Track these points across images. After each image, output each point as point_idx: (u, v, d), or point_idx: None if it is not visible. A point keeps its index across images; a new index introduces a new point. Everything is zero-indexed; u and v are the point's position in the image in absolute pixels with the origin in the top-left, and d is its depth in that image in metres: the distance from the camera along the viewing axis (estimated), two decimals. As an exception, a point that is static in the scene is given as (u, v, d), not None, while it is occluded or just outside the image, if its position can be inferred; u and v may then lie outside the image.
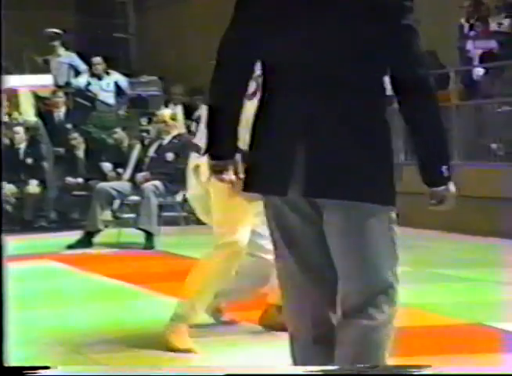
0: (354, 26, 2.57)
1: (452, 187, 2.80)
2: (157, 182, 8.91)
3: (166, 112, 9.54)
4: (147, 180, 9.04)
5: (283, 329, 4.71)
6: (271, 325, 4.75)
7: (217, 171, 2.77)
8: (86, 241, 8.92)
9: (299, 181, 2.60)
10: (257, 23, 2.64)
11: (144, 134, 10.71)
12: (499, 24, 10.55)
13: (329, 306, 2.75)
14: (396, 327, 4.88)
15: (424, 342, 4.55)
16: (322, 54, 2.59)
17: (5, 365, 2.61)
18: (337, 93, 2.60)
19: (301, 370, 2.68)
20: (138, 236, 9.09)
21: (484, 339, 4.62)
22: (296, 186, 2.61)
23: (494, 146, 9.70)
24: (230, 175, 2.79)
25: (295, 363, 2.83)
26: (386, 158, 2.66)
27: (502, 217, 9.11)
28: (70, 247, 8.71)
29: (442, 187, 2.78)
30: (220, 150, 2.75)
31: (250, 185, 2.73)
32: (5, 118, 10.98)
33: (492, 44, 10.43)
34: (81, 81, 12.58)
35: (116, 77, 12.68)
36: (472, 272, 6.91)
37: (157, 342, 4.42)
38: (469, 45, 10.84)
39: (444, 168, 2.75)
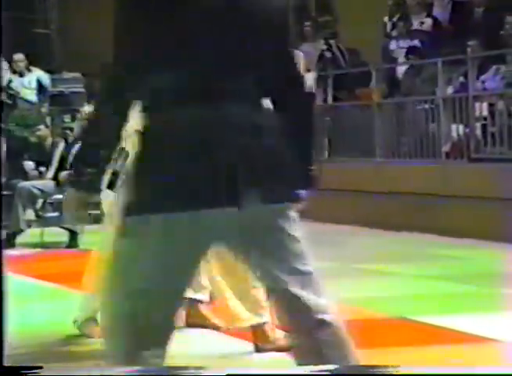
0: (249, 39, 2.59)
1: None
2: (81, 181, 8.84)
3: (89, 109, 9.45)
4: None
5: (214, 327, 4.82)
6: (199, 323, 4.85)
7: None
8: (9, 242, 8.79)
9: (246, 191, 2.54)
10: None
11: (67, 131, 10.59)
12: (421, 23, 10.74)
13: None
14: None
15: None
16: (226, 65, 2.58)
17: (4, 365, 2.62)
18: (243, 101, 2.59)
19: (302, 370, 2.68)
20: (61, 236, 9.00)
21: (408, 333, 4.72)
22: (245, 195, 2.54)
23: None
24: None
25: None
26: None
27: (423, 213, 9.30)
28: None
29: None
30: None
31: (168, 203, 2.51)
32: None
33: (415, 43, 10.62)
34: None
35: (38, 73, 12.51)
36: (392, 267, 7.05)
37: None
38: (392, 44, 11.01)
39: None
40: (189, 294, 4.86)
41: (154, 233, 2.54)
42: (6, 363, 2.70)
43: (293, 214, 2.66)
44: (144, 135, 2.60)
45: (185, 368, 2.62)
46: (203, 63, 2.56)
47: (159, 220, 2.52)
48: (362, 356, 4.05)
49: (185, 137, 2.54)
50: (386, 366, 2.75)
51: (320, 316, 2.62)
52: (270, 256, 2.62)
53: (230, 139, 2.55)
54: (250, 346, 4.31)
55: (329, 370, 2.67)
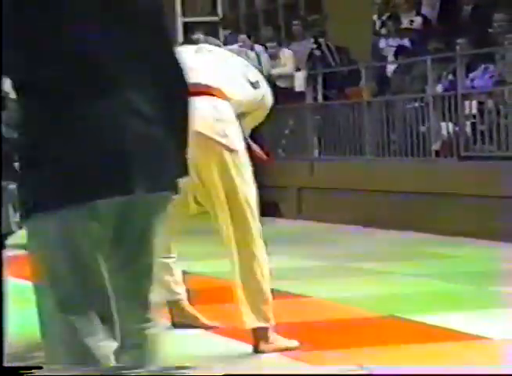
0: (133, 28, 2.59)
1: None
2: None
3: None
4: (61, 179, 8.96)
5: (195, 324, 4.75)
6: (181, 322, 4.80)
7: None
8: (-1, 243, 8.78)
9: (136, 176, 2.51)
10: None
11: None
12: (411, 21, 10.75)
13: None
14: (311, 320, 4.99)
15: (338, 335, 4.62)
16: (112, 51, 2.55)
17: (3, 365, 2.60)
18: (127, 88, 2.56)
19: (302, 370, 2.66)
20: (52, 237, 8.99)
21: (397, 331, 4.72)
22: (135, 182, 2.51)
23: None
24: None
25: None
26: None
27: (413, 211, 9.30)
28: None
29: None
30: None
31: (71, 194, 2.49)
32: None
33: (405, 42, 10.63)
34: (-9, 79, 12.32)
35: (27, 74, 12.48)
36: (383, 266, 7.05)
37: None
38: (382, 42, 11.01)
39: None
40: (166, 296, 4.71)
41: (48, 228, 2.52)
42: (5, 363, 2.70)
43: (168, 205, 2.66)
44: (26, 125, 2.60)
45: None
46: (87, 50, 2.54)
47: (51, 215, 2.50)
48: (360, 355, 4.04)
49: (68, 127, 2.51)
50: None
51: (150, 313, 2.65)
52: (130, 246, 2.61)
53: (116, 127, 2.53)
54: (245, 346, 4.29)
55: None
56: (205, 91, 4.16)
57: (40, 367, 2.56)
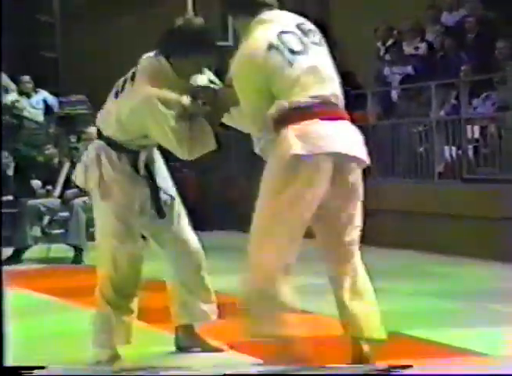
0: None
1: None
2: (86, 198, 9.06)
3: (94, 130, 9.61)
4: (76, 197, 9.19)
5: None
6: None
7: None
8: (16, 258, 9.02)
9: None
10: None
11: (73, 152, 10.84)
12: (416, 48, 10.91)
13: None
14: (312, 337, 5.04)
15: (340, 351, 4.53)
16: None
17: (4, 365, 2.72)
18: None
19: (299, 370, 2.68)
20: (67, 252, 9.19)
21: (398, 347, 4.65)
22: None
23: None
24: None
25: None
26: None
27: (416, 230, 9.46)
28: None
29: None
30: None
31: None
32: None
33: (408, 69, 10.78)
34: (9, 98, 12.62)
35: (44, 94, 12.78)
36: (384, 284, 7.06)
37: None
38: (386, 70, 11.17)
39: None
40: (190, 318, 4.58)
41: None
42: (6, 363, 2.72)
43: None
44: None
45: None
46: None
47: None
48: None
49: None
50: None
51: None
52: None
53: None
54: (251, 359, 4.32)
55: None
56: None
57: (41, 367, 2.66)
